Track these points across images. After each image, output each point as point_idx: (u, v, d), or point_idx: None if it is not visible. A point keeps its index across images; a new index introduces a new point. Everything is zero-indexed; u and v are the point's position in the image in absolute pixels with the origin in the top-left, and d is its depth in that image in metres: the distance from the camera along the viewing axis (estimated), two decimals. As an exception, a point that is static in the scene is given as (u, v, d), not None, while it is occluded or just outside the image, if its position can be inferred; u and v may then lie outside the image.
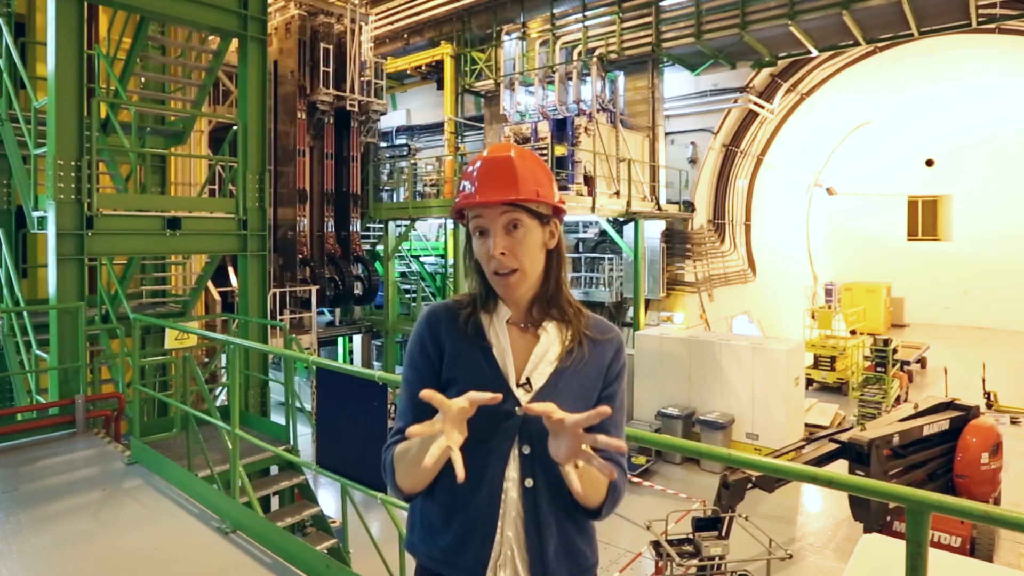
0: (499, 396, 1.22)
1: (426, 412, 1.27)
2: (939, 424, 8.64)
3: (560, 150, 13.67)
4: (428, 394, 1.20)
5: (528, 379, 1.39)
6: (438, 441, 1.17)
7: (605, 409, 1.17)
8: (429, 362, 1.44)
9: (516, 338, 1.43)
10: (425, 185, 16.87)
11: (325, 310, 14.18)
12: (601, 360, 1.44)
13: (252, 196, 6.80)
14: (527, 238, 1.39)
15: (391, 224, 14.87)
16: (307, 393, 11.98)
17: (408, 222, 14.81)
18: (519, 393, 1.38)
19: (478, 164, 1.42)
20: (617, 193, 14.27)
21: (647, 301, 15.75)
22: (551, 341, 1.43)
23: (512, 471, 1.36)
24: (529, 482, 1.36)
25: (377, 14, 18.51)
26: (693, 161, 16.82)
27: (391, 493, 1.41)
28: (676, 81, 16.77)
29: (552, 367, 1.41)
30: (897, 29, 14.15)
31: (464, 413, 1.21)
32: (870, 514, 7.51)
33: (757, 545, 7.76)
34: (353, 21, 13.23)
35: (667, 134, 16.74)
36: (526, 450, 1.36)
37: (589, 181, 13.53)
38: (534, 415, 1.23)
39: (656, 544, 7.52)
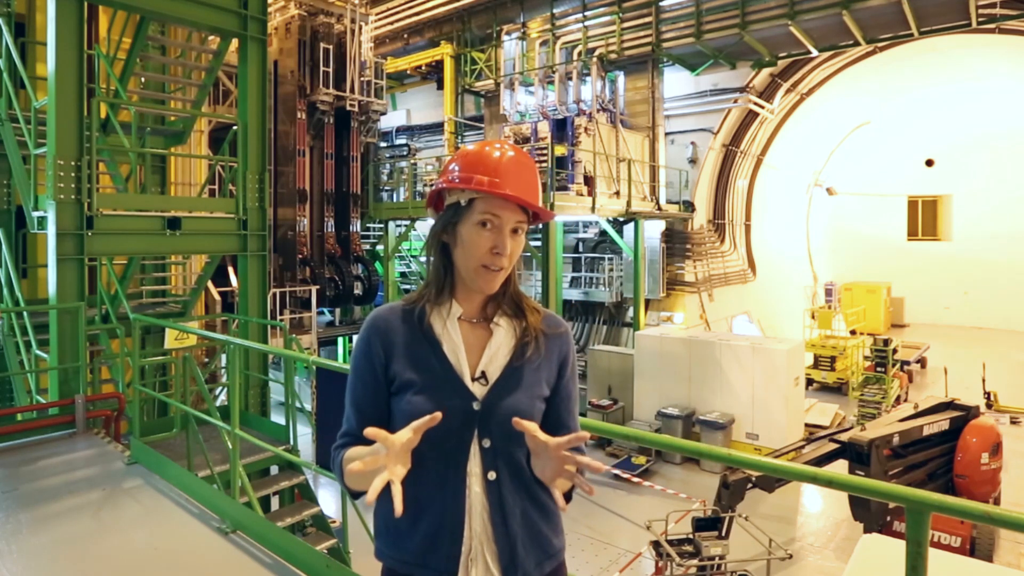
0: (438, 416, 1.23)
1: (369, 418, 1.37)
2: (939, 424, 8.64)
3: (560, 150, 13.67)
4: (372, 432, 1.20)
5: (483, 373, 1.41)
6: (381, 475, 1.17)
7: (584, 435, 1.24)
8: (372, 369, 1.43)
9: (467, 334, 1.45)
10: (425, 185, 16.87)
11: (325, 310, 14.18)
12: (555, 354, 1.49)
13: (252, 196, 6.80)
14: (520, 244, 1.45)
15: (391, 224, 14.88)
16: (307, 393, 11.96)
17: (408, 222, 14.82)
18: (475, 387, 1.40)
19: (498, 156, 1.41)
20: (617, 193, 14.27)
21: (647, 301, 15.75)
22: (504, 335, 1.45)
23: (474, 466, 1.38)
24: (492, 475, 1.38)
25: (377, 14, 18.51)
26: (693, 161, 16.82)
27: (342, 488, 1.43)
28: (676, 81, 16.77)
29: (507, 360, 1.43)
30: (897, 29, 14.15)
31: (410, 444, 1.22)
32: (870, 514, 7.50)
33: (757, 545, 7.76)
34: (353, 21, 13.23)
35: (667, 134, 16.74)
36: (486, 443, 1.38)
37: (589, 181, 13.53)
38: (494, 412, 1.34)
39: (656, 544, 7.51)
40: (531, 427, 1.25)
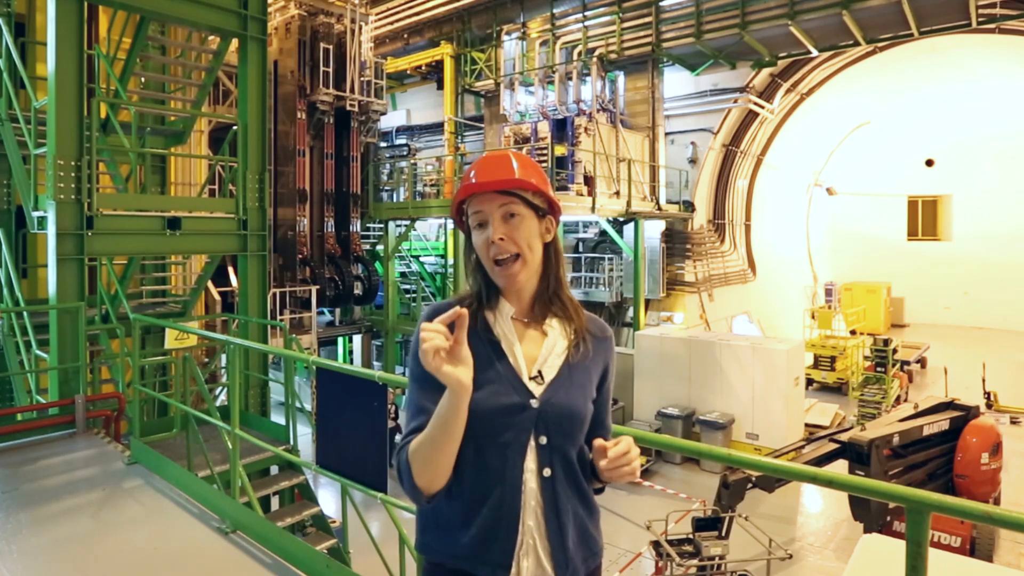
0: (464, 313, 1.27)
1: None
2: (939, 424, 8.64)
3: (560, 150, 13.66)
4: (442, 318, 1.27)
5: (540, 372, 1.44)
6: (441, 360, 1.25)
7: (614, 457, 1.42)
8: None
9: (521, 333, 1.48)
10: (425, 185, 16.88)
11: (325, 310, 14.18)
12: (602, 358, 1.54)
13: (252, 196, 6.80)
14: (524, 226, 1.45)
15: (391, 224, 14.87)
16: (307, 393, 11.96)
17: (408, 222, 14.82)
18: (531, 385, 1.43)
19: (475, 167, 1.48)
20: (617, 193, 14.27)
21: (647, 301, 15.75)
22: (557, 336, 1.49)
23: (530, 462, 1.41)
24: (547, 471, 1.41)
25: (377, 14, 18.50)
26: (693, 161, 16.82)
27: (408, 495, 1.40)
28: (676, 81, 16.77)
29: (561, 360, 1.47)
30: (897, 29, 14.15)
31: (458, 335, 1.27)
32: (870, 514, 7.50)
33: (757, 545, 7.76)
34: (353, 21, 13.24)
35: (667, 134, 16.74)
36: (543, 440, 1.41)
37: (589, 181, 13.53)
38: (551, 410, 1.41)
39: (656, 544, 7.52)
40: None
